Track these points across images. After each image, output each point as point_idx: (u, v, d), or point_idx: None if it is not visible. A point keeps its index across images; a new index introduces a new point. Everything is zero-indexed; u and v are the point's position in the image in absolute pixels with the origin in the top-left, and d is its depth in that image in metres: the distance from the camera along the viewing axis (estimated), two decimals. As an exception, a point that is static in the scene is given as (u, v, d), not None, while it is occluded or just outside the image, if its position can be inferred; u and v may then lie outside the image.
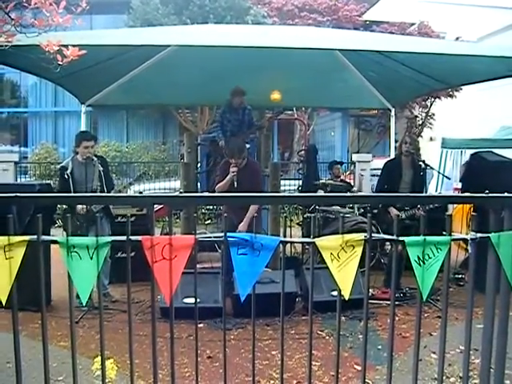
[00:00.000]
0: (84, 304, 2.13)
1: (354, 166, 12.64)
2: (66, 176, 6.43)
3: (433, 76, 8.28)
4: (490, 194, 2.35)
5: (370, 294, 6.45)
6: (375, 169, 11.63)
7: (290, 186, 12.96)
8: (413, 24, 19.83)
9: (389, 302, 2.22)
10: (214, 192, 6.85)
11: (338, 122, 23.14)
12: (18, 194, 2.15)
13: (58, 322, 5.62)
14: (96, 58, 6.99)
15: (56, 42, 3.69)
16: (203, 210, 12.30)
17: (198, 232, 2.17)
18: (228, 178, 6.63)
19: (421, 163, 6.90)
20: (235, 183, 6.56)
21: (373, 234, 2.23)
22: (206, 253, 7.92)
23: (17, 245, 2.06)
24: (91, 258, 2.08)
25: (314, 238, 2.23)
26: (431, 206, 6.57)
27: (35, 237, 2.10)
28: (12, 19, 3.71)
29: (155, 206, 7.84)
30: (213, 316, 5.57)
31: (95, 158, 6.58)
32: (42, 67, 4.05)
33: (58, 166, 6.92)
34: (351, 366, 4.67)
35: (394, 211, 6.75)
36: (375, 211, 7.67)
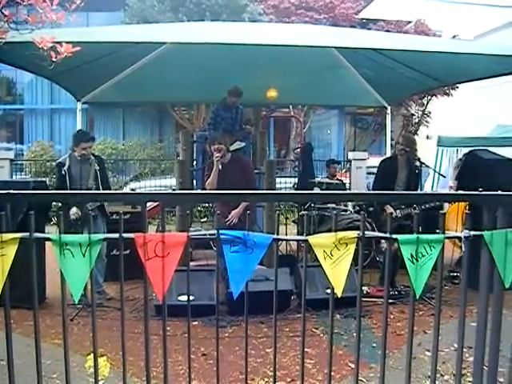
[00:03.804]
0: (76, 302, 2.12)
1: (350, 164, 12.64)
2: (63, 172, 6.43)
3: (429, 74, 8.29)
4: (484, 192, 2.35)
5: (365, 292, 6.50)
6: (371, 167, 11.63)
7: (286, 183, 12.96)
8: (409, 22, 19.84)
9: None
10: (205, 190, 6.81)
11: (335, 120, 23.15)
12: (11, 191, 2.14)
13: (52, 320, 5.61)
14: (92, 55, 6.98)
15: (50, 39, 3.68)
16: (199, 208, 12.30)
17: (192, 229, 2.17)
18: (214, 168, 6.49)
19: (416, 162, 6.91)
20: (220, 166, 6.44)
21: (367, 232, 2.23)
22: (201, 250, 7.93)
23: (9, 242, 2.05)
24: (84, 256, 2.07)
25: (307, 235, 2.23)
26: (427, 205, 6.59)
27: (28, 234, 2.09)
28: (5, 15, 3.70)
29: (151, 203, 7.78)
30: (208, 313, 5.56)
31: (92, 157, 6.56)
32: (37, 64, 4.04)
33: (55, 162, 6.90)
34: (345, 363, 4.67)
35: (389, 209, 6.76)
36: (371, 209, 7.68)
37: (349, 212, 8.61)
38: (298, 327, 5.53)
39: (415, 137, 10.66)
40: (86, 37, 5.71)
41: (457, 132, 13.18)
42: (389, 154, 10.34)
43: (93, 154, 6.68)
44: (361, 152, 14.50)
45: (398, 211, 6.76)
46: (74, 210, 6.23)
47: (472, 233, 2.30)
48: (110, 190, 6.65)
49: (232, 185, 5.59)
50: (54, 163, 7.25)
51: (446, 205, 8.09)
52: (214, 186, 6.48)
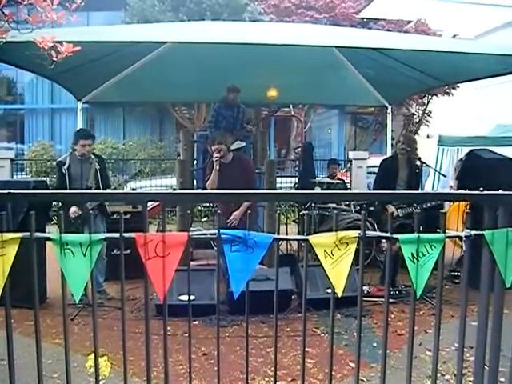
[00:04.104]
0: (77, 301, 2.11)
1: (351, 164, 12.64)
2: (63, 171, 6.44)
3: (429, 73, 8.30)
4: (485, 192, 2.35)
5: (365, 292, 6.50)
6: (371, 166, 11.63)
7: (286, 183, 12.96)
8: (410, 22, 19.83)
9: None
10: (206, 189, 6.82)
11: (335, 120, 23.15)
12: (12, 191, 2.14)
13: (53, 319, 5.61)
14: (92, 55, 6.99)
15: (50, 39, 3.68)
16: (199, 207, 12.29)
17: (193, 229, 2.17)
18: (213, 169, 6.50)
19: (417, 162, 6.91)
20: (217, 167, 6.43)
21: (367, 232, 2.23)
22: (201, 250, 7.92)
23: (9, 242, 2.05)
24: (84, 255, 2.07)
25: (308, 235, 2.23)
26: (428, 204, 6.58)
27: (28, 234, 2.09)
28: (5, 15, 3.70)
29: (151, 203, 7.77)
30: (208, 313, 5.56)
31: (93, 156, 6.57)
32: (38, 64, 4.04)
33: (56, 161, 6.91)
34: (346, 363, 4.67)
35: (390, 209, 6.76)
36: (371, 208, 7.68)
37: (350, 211, 8.59)
38: (299, 327, 5.53)
39: (416, 136, 10.67)
40: (87, 36, 5.72)
41: (457, 131, 13.18)
42: (389, 154, 10.34)
43: (93, 154, 6.69)
44: (361, 151, 14.50)
45: (399, 211, 6.76)
46: (73, 209, 6.24)
47: (473, 232, 2.30)
48: (110, 188, 6.67)
49: (233, 184, 5.55)
50: (54, 163, 7.27)
51: (447, 204, 8.09)
52: (214, 186, 6.48)
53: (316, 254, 2.21)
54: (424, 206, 6.60)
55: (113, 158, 16.93)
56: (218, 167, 6.43)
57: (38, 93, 21.42)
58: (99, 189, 6.47)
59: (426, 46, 6.54)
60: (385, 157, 8.72)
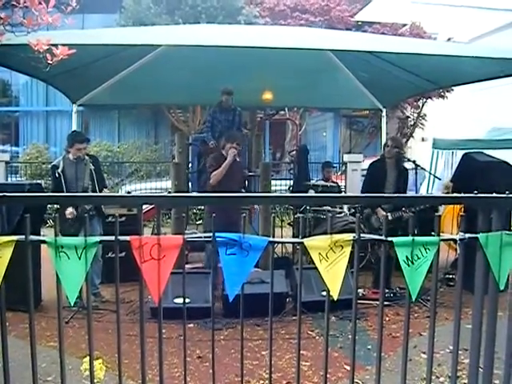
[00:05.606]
0: (72, 304, 2.11)
1: (345, 167, 12.63)
2: (56, 175, 6.43)
3: (424, 77, 8.31)
4: (479, 195, 2.36)
5: (360, 295, 6.50)
6: (366, 169, 11.62)
7: (281, 186, 12.95)
8: (405, 25, 19.85)
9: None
10: (208, 183, 6.92)
11: (330, 123, 23.14)
12: (6, 194, 2.13)
13: (48, 322, 5.61)
14: (87, 58, 6.97)
15: (45, 41, 3.68)
16: (194, 210, 12.28)
17: (188, 232, 2.16)
18: (228, 159, 6.80)
19: (404, 164, 6.95)
20: (237, 159, 6.91)
21: (362, 235, 2.23)
22: (196, 253, 7.92)
23: (4, 245, 2.05)
24: (79, 258, 2.07)
25: (302, 238, 2.23)
26: (422, 206, 6.59)
27: (23, 237, 2.09)
28: (0, 18, 3.69)
29: (146, 206, 7.78)
30: (203, 316, 5.55)
31: (87, 157, 6.57)
32: (33, 66, 4.04)
33: (50, 165, 6.91)
34: (341, 366, 4.67)
35: (381, 212, 6.77)
36: (366, 211, 7.67)
37: (343, 214, 8.60)
38: (294, 329, 5.52)
39: (410, 139, 10.69)
40: (82, 39, 5.72)
41: (452, 134, 13.21)
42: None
43: (87, 154, 6.69)
44: (356, 154, 14.49)
45: (388, 214, 6.76)
46: (69, 209, 6.23)
47: (467, 235, 2.30)
48: (107, 188, 6.70)
49: (234, 181, 6.69)
50: (49, 165, 7.26)
51: (442, 207, 8.10)
52: (220, 177, 6.75)
53: (311, 257, 2.21)
54: (416, 209, 6.60)
55: (108, 161, 16.89)
56: (237, 159, 6.97)
57: (33, 95, 21.35)
58: (96, 189, 6.47)
59: (421, 49, 6.56)
60: (372, 160, 8.73)
